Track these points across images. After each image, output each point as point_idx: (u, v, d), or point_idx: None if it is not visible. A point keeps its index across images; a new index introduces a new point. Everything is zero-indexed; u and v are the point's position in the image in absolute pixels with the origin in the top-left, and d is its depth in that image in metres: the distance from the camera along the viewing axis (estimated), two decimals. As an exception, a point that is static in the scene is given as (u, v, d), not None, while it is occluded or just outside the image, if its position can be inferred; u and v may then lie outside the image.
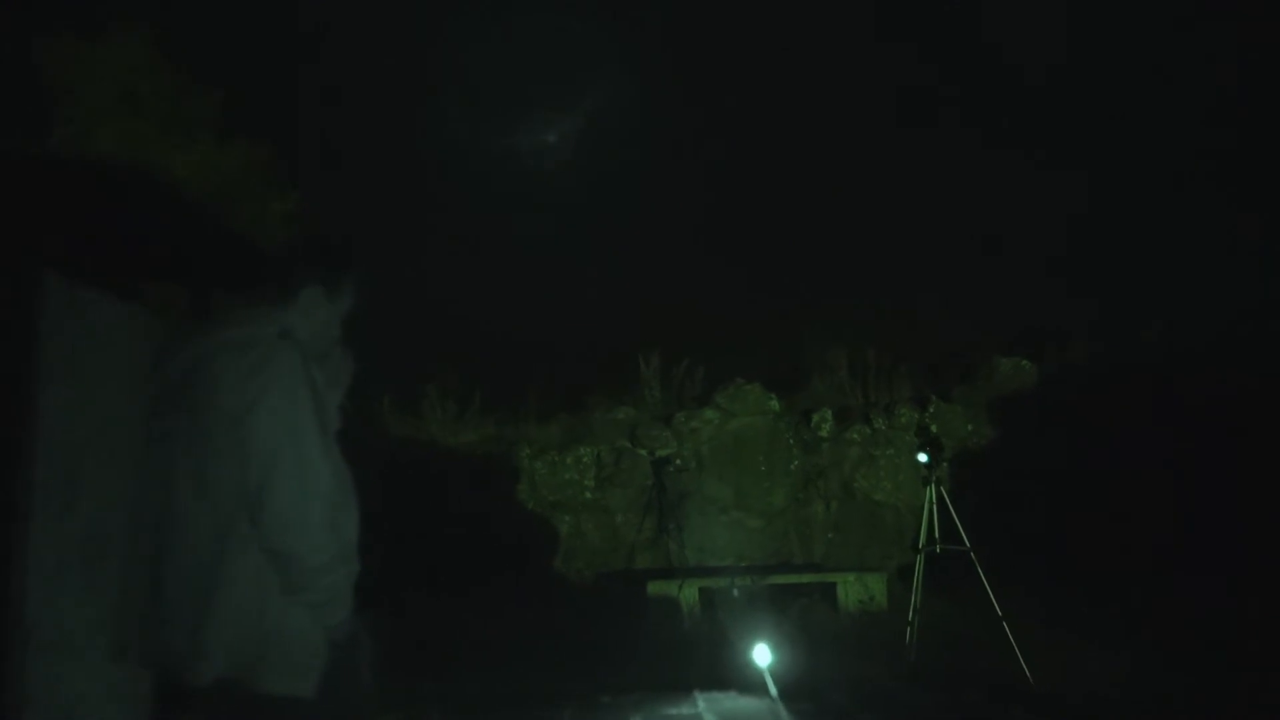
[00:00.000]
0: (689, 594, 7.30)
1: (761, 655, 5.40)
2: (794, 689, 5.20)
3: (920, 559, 6.00)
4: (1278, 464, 6.70)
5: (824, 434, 8.78)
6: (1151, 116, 13.65)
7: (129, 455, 2.88)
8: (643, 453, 8.63)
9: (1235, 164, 12.15)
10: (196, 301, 3.86)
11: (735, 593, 7.22)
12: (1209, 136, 12.61)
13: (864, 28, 14.59)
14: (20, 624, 2.94)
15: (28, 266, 3.13)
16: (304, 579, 1.88)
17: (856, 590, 7.40)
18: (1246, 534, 6.64)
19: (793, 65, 15.02)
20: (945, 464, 7.59)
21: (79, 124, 7.59)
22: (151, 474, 1.94)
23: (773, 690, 5.14)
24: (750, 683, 5.35)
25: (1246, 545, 6.51)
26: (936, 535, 5.89)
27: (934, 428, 8.19)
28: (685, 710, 5.04)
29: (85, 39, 8.00)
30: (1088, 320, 9.95)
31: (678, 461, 8.61)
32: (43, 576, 3.08)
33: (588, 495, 8.62)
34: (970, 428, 8.79)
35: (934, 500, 5.95)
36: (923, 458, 6.10)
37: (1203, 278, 10.76)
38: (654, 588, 7.34)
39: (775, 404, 8.88)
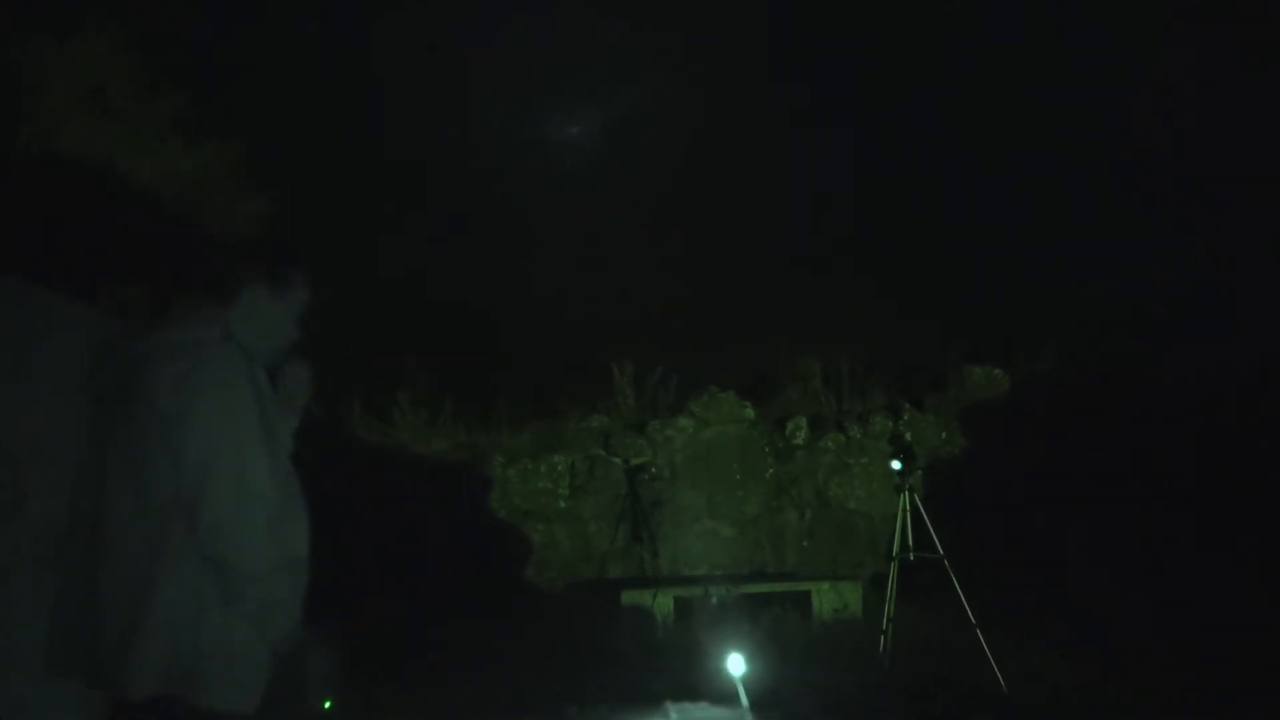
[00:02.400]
0: (663, 603, 7.23)
1: (735, 665, 5.34)
2: (767, 698, 5.15)
3: (894, 567, 5.98)
4: (1250, 468, 6.76)
5: (799, 442, 8.76)
6: (1127, 119, 13.81)
7: (79, 458, 2.79)
8: (617, 461, 8.56)
9: (1210, 169, 12.31)
10: (155, 303, 3.77)
11: (714, 600, 7.16)
12: (1188, 139, 12.75)
13: (844, 31, 14.68)
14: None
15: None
16: (243, 588, 1.79)
17: (831, 599, 7.37)
18: (1220, 539, 6.68)
19: (770, 71, 15.08)
20: (918, 472, 7.58)
21: (44, 123, 7.43)
22: (91, 478, 1.86)
23: (744, 700, 5.08)
24: (724, 693, 5.28)
25: (1220, 551, 6.55)
26: (910, 543, 5.88)
27: (908, 436, 8.20)
28: (656, 721, 4.99)
29: (52, 38, 7.86)
30: (1058, 328, 10.00)
31: (652, 470, 8.55)
32: (-12, 585, 2.97)
33: (561, 504, 8.54)
34: (943, 435, 8.81)
35: (907, 508, 5.94)
36: (896, 465, 6.09)
37: (1175, 284, 10.87)
38: (627, 597, 7.27)
39: (750, 412, 8.85)
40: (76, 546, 1.88)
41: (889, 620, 5.84)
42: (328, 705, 4.18)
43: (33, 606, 2.99)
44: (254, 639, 1.84)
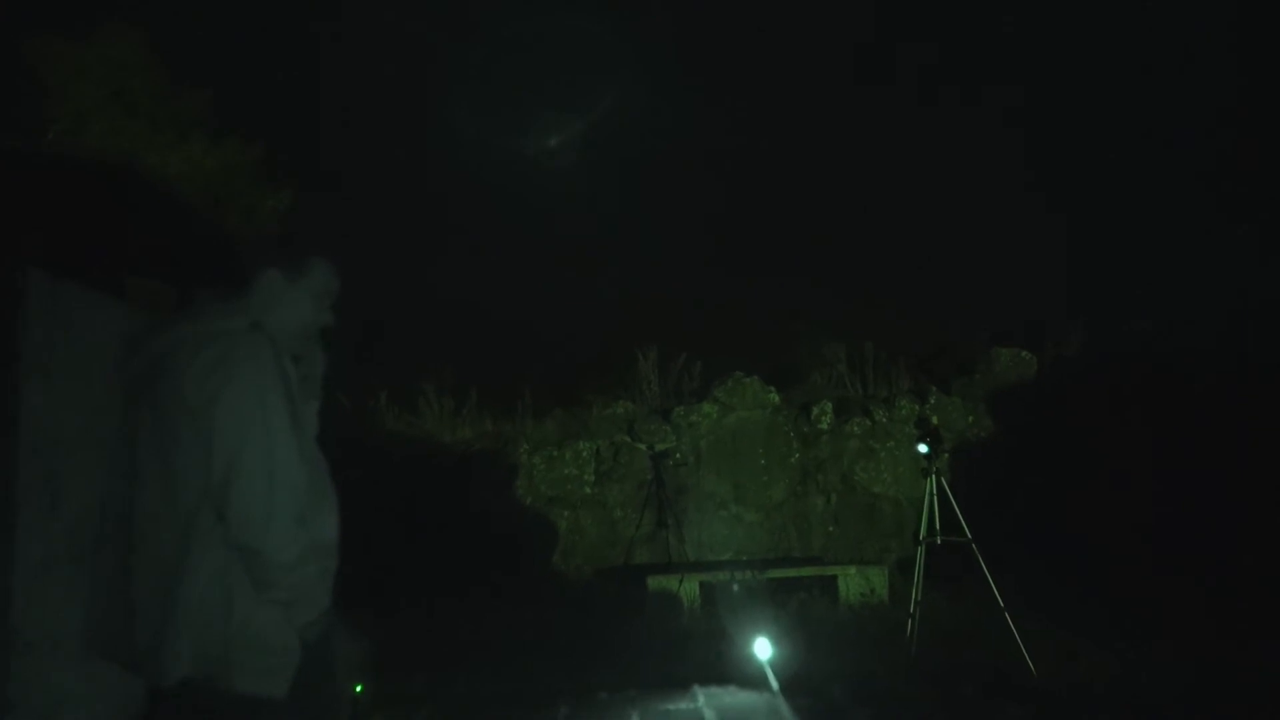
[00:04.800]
0: (689, 589, 7.25)
1: (762, 649, 5.36)
2: (794, 683, 5.15)
3: (921, 551, 5.94)
4: (1273, 457, 6.65)
5: (824, 427, 8.73)
6: (1151, 109, 13.58)
7: (110, 450, 2.84)
8: (641, 447, 8.58)
9: (1234, 159, 12.09)
10: (183, 299, 3.82)
11: (735, 587, 7.16)
12: (1211, 128, 12.53)
13: (857, 26, 14.54)
14: (5, 624, 2.90)
15: (9, 264, 3.08)
16: (272, 575, 1.82)
17: (857, 583, 7.35)
18: (1245, 527, 6.58)
19: (789, 64, 14.96)
20: (945, 455, 7.53)
21: (69, 123, 7.52)
22: (121, 469, 1.89)
23: (774, 684, 5.09)
24: (751, 677, 5.29)
25: (1245, 538, 6.45)
26: (937, 527, 5.84)
27: (934, 419, 8.14)
28: (684, 705, 4.99)
29: (76, 39, 7.94)
30: (1085, 312, 9.88)
31: (676, 456, 8.56)
32: (28, 576, 3.04)
33: (587, 490, 8.58)
34: (970, 419, 8.74)
35: (934, 492, 5.90)
36: (923, 449, 6.04)
37: (1199, 270, 10.70)
38: (653, 583, 7.29)
39: (774, 397, 8.82)
40: (110, 536, 1.91)
41: (916, 604, 5.81)
42: (358, 689, 4.24)
43: (71, 597, 3.07)
44: (283, 624, 1.86)
